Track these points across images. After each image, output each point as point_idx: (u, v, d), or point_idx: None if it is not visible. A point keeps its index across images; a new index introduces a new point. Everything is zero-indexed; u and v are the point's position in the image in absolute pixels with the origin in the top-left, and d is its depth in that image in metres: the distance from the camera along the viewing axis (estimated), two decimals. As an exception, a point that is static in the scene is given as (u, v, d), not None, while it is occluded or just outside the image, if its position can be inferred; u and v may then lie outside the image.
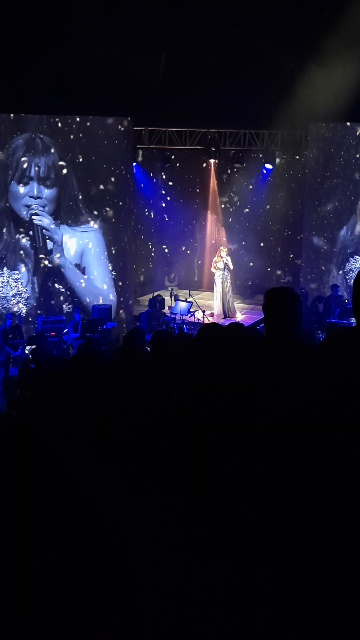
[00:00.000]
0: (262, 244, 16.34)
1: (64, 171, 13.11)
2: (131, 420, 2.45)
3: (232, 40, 12.55)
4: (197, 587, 1.58)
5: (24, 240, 13.10)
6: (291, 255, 16.04)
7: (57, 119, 12.99)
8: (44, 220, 13.07)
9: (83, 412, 2.68)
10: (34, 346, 10.47)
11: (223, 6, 11.99)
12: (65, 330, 12.50)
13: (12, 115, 12.73)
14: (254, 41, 12.48)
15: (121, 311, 14.03)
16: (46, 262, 13.28)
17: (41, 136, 12.88)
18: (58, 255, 13.30)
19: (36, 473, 1.13)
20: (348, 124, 13.73)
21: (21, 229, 13.08)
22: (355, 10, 11.17)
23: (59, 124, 13.05)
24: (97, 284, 13.77)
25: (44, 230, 13.10)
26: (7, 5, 10.67)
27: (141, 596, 1.26)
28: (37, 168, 12.86)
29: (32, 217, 12.98)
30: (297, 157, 15.07)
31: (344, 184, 14.08)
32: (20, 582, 1.02)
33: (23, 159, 12.79)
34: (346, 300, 13.38)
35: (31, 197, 12.93)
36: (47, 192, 13.05)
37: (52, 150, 12.98)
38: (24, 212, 13.00)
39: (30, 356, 9.82)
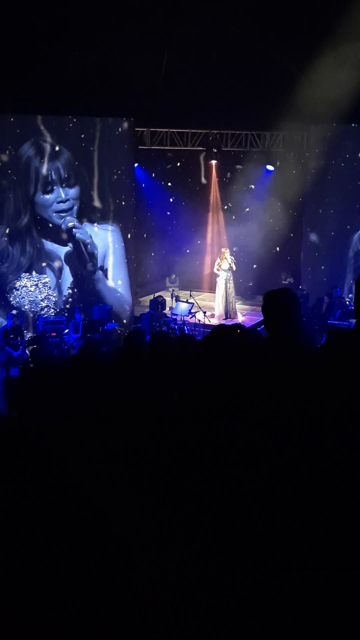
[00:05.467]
0: (263, 245, 16.32)
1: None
2: (131, 421, 2.45)
3: (234, 42, 12.54)
4: (197, 588, 1.58)
5: (49, 245, 13.21)
6: (292, 257, 16.02)
7: (58, 120, 12.99)
8: (84, 232, 13.29)
9: (83, 412, 2.68)
10: (34, 346, 10.46)
11: (225, 7, 11.99)
12: (66, 331, 12.50)
13: (12, 119, 12.75)
14: (256, 42, 12.48)
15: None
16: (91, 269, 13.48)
17: (46, 140, 12.89)
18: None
19: (36, 473, 1.13)
20: (350, 125, 13.73)
21: (47, 236, 13.19)
22: (355, 10, 11.18)
23: (60, 125, 13.05)
24: (116, 284, 13.96)
25: (87, 242, 13.33)
26: (7, 5, 10.67)
27: (141, 597, 1.25)
28: (55, 173, 13.00)
29: (73, 230, 13.18)
30: (299, 158, 15.06)
31: (345, 185, 14.06)
32: (19, 580, 1.02)
33: (43, 168, 12.89)
34: (347, 302, 13.38)
35: (60, 202, 13.08)
36: (71, 192, 13.19)
37: (61, 150, 13.03)
38: (56, 218, 13.14)
39: (30, 355, 9.83)
